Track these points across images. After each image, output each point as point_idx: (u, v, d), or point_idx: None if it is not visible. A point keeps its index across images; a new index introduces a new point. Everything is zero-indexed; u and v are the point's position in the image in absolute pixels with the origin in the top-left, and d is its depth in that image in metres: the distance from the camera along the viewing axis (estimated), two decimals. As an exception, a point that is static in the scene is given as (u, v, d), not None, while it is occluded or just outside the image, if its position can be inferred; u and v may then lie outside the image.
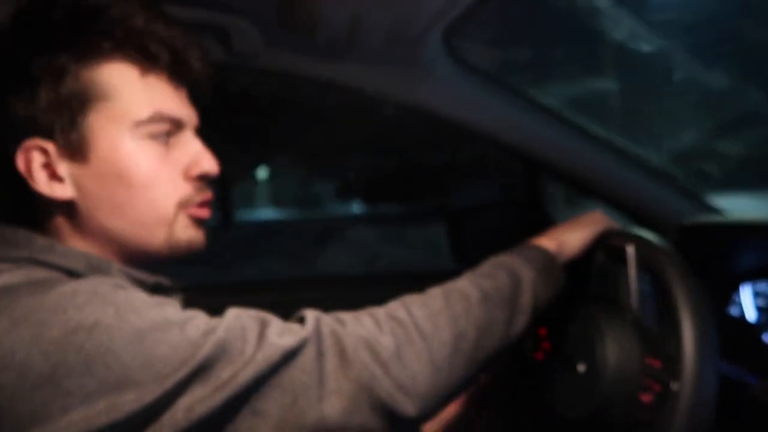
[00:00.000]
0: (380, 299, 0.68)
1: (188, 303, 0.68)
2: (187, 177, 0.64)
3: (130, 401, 0.50)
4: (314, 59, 1.00)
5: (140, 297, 0.56)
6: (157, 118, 0.61)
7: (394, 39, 0.96)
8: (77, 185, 0.60)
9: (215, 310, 0.60)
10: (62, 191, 0.60)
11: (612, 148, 1.14)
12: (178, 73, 0.64)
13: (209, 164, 0.64)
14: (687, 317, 0.63)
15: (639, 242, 0.75)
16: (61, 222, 0.61)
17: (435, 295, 0.67)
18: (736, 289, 1.01)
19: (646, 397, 0.68)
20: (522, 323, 0.71)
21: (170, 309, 0.56)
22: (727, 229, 1.02)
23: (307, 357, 0.56)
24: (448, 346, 0.63)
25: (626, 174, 1.13)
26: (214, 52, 0.93)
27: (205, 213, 0.66)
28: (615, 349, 0.72)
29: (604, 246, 0.82)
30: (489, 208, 1.36)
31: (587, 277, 0.84)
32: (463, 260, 1.27)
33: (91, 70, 0.59)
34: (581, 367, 0.76)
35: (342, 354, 0.57)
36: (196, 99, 0.67)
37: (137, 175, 0.60)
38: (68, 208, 0.61)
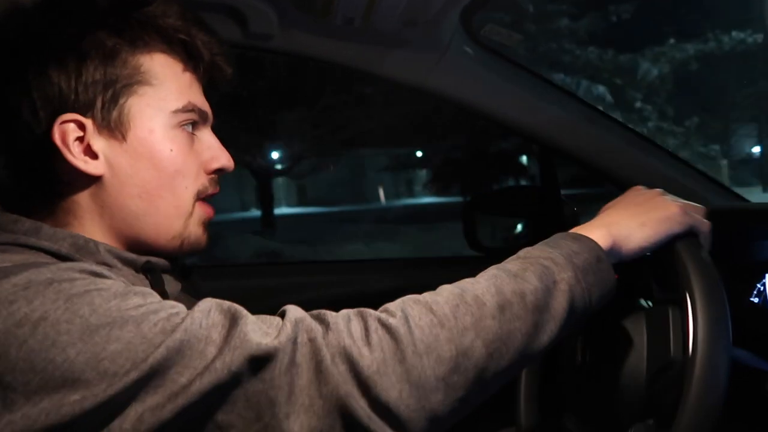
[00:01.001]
0: (400, 285, 0.66)
1: (187, 284, 0.68)
2: (206, 170, 0.66)
3: (73, 402, 0.47)
4: (329, 41, 0.99)
5: (104, 286, 0.52)
6: (189, 108, 0.64)
7: (411, 20, 0.95)
8: (110, 163, 0.61)
9: (216, 292, 0.58)
10: (95, 167, 0.61)
11: (631, 133, 1.12)
12: (211, 74, 0.68)
13: (227, 159, 0.68)
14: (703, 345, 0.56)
15: (702, 277, 0.59)
16: (83, 199, 0.62)
17: (444, 298, 0.57)
18: (760, 278, 0.99)
19: None
20: (548, 336, 0.58)
21: (135, 300, 0.52)
22: (752, 216, 0.99)
23: (277, 368, 0.51)
24: (447, 364, 0.53)
25: (646, 160, 1.11)
26: (229, 33, 0.93)
27: (211, 211, 0.68)
28: (628, 382, 0.65)
29: (671, 262, 0.63)
30: (503, 194, 1.34)
31: (637, 282, 0.71)
32: (477, 247, 1.27)
33: (140, 57, 0.62)
34: (601, 368, 0.72)
35: (318, 366, 0.51)
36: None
37: (168, 160, 0.63)
38: (95, 185, 0.61)
